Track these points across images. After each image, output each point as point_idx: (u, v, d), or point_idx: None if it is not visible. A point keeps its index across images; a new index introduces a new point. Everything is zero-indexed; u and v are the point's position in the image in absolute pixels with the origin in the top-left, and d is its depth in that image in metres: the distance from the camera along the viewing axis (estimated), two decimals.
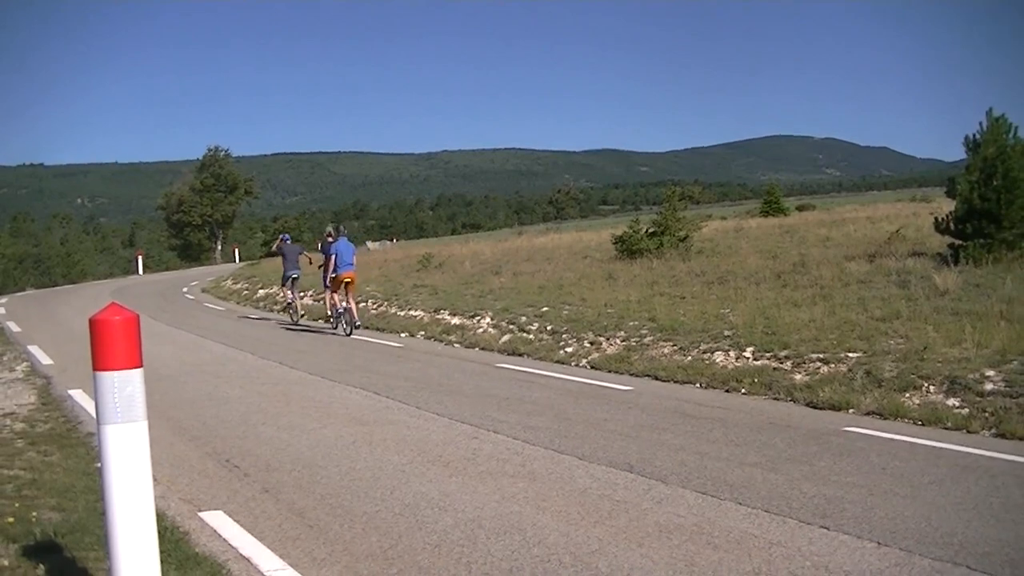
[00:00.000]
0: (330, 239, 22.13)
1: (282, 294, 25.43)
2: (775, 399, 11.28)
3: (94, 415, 11.37)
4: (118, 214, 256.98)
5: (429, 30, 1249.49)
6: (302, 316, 24.72)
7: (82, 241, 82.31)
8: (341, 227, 23.29)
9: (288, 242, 25.85)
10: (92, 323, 5.08)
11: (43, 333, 22.67)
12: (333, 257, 21.01)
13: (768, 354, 12.50)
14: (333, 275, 21.05)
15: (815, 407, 10.65)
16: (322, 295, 23.82)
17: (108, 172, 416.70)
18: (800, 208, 55.80)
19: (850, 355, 11.67)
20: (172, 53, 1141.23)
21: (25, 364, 16.91)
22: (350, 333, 20.54)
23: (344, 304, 20.94)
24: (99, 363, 5.07)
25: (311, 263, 25.18)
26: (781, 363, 12.13)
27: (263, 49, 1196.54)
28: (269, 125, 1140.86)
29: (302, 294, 26.68)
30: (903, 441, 8.95)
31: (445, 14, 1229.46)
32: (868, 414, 10.14)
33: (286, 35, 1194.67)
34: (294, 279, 24.56)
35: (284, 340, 20.22)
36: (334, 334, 20.89)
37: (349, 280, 20.85)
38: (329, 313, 22.19)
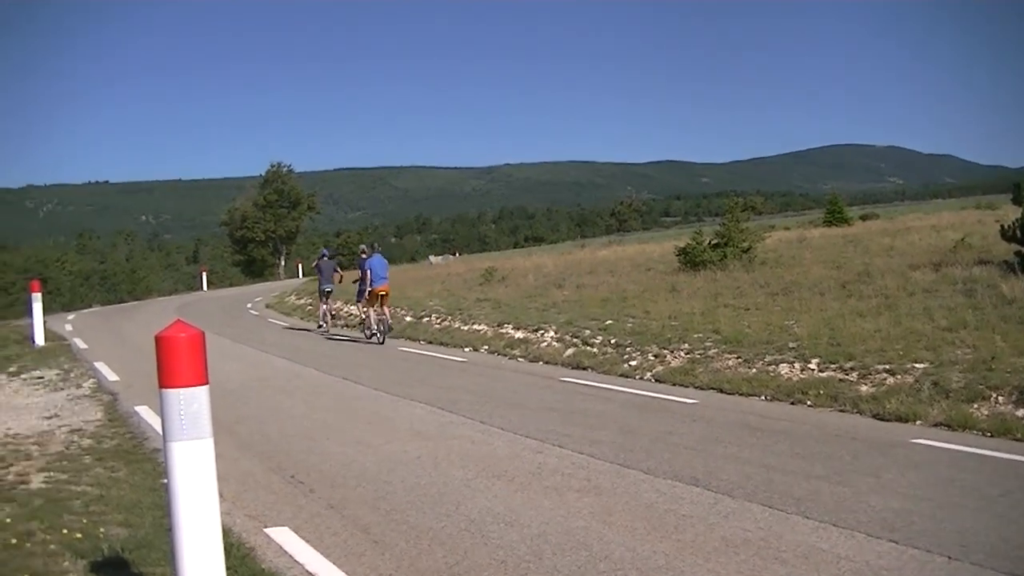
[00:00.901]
0: (364, 256, 23.68)
1: (356, 310, 26.71)
2: (841, 411, 11.15)
3: (160, 431, 11.53)
4: (182, 230, 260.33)
5: (488, 46, 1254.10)
6: (335, 325, 27.10)
7: (147, 257, 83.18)
8: (375, 244, 25.60)
9: (325, 258, 28.00)
10: (158, 340, 5.13)
11: (109, 350, 22.93)
12: (368, 272, 22.48)
13: (833, 365, 12.36)
14: (369, 289, 22.47)
15: (881, 419, 10.51)
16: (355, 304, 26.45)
17: (172, 189, 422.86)
18: (863, 217, 55.05)
19: (916, 366, 11.52)
20: (237, 70, 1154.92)
21: (92, 380, 17.11)
22: (383, 341, 22.01)
23: (379, 316, 22.35)
24: (165, 380, 5.12)
25: (340, 281, 27.19)
26: (847, 374, 11.99)
27: (324, 66, 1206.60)
28: (331, 140, 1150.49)
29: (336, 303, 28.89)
30: (972, 453, 8.81)
31: (505, 30, 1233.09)
32: (935, 425, 10.00)
33: (347, 52, 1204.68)
34: (328, 292, 26.94)
35: (348, 355, 20.31)
36: (370, 343, 21.64)
37: (384, 293, 22.47)
38: (362, 322, 23.85)
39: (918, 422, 10.15)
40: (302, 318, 31.08)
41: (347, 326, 26.98)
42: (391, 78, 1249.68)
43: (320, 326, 26.84)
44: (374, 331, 22.44)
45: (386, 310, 22.59)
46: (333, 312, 27.40)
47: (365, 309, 23.21)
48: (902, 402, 10.59)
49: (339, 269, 27.84)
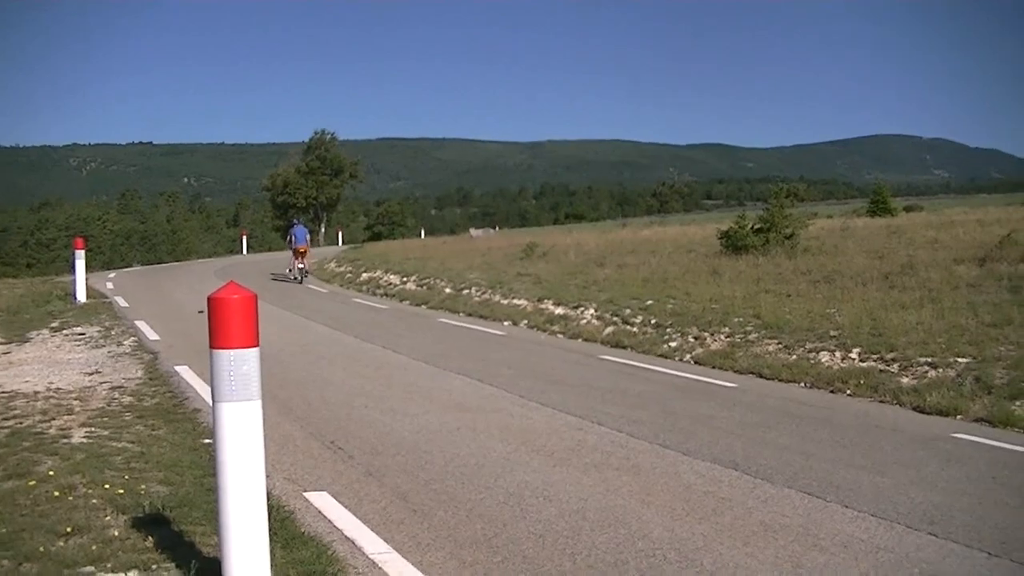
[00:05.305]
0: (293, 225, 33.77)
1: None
2: (881, 402, 11.08)
3: (200, 391, 11.66)
4: (223, 194, 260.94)
5: (537, 21, 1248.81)
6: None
7: (188, 219, 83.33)
8: (298, 218, 40.36)
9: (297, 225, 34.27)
10: (210, 301, 5.16)
11: (150, 308, 23.01)
12: (293, 237, 32.48)
13: (874, 356, 12.28)
14: (293, 247, 32.38)
15: (922, 411, 10.43)
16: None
17: (215, 152, 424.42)
18: (907, 209, 54.60)
19: (959, 360, 11.42)
20: (283, 36, 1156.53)
21: (132, 339, 17.16)
22: (301, 281, 31.60)
23: (300, 264, 32.13)
24: (216, 341, 5.15)
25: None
26: (888, 365, 11.91)
27: (370, 34, 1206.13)
28: (375, 109, 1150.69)
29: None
30: (1013, 450, 8.73)
31: (557, 6, 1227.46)
32: (977, 421, 9.91)
33: (394, 21, 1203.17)
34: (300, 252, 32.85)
35: (387, 323, 20.36)
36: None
37: (303, 251, 32.17)
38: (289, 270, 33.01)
39: (959, 416, 10.08)
40: (342, 285, 31.14)
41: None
42: (439, 48, 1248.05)
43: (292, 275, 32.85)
44: (295, 275, 32.05)
45: (305, 261, 32.29)
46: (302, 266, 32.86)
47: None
48: (943, 396, 10.51)
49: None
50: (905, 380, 11.35)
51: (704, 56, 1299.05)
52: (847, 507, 7.05)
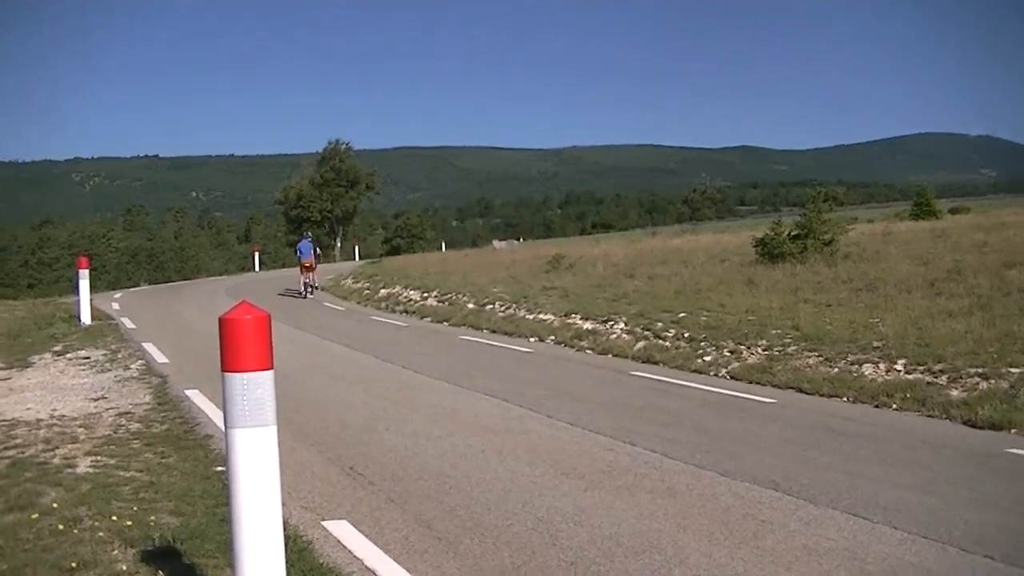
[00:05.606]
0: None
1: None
2: (929, 416, 10.99)
3: (212, 416, 11.66)
4: (233, 208, 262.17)
5: (558, 23, 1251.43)
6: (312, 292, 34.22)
7: (196, 236, 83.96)
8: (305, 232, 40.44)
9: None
10: (222, 322, 5.14)
11: (158, 330, 23.07)
12: (298, 252, 34.24)
13: (921, 367, 12.20)
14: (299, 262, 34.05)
15: (973, 426, 10.34)
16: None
17: (224, 165, 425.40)
18: (953, 211, 54.30)
19: (1012, 370, 11.32)
20: (292, 43, 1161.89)
21: (140, 362, 17.20)
22: (306, 297, 33.10)
23: (306, 279, 33.70)
24: (228, 364, 5.13)
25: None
26: (936, 377, 11.82)
27: (385, 39, 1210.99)
28: (391, 118, 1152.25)
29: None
30: None
31: (573, 7, 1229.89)
32: None
33: (410, 26, 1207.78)
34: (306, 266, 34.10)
35: (407, 342, 20.38)
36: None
37: (308, 265, 33.54)
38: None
39: (1013, 430, 9.98)
40: (359, 302, 31.20)
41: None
42: (457, 53, 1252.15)
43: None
44: (302, 290, 33.61)
45: (312, 276, 33.87)
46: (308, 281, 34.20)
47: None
48: (996, 408, 10.42)
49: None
50: (955, 393, 11.27)
51: (733, 54, 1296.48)
52: (895, 528, 6.99)
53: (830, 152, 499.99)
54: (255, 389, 5.12)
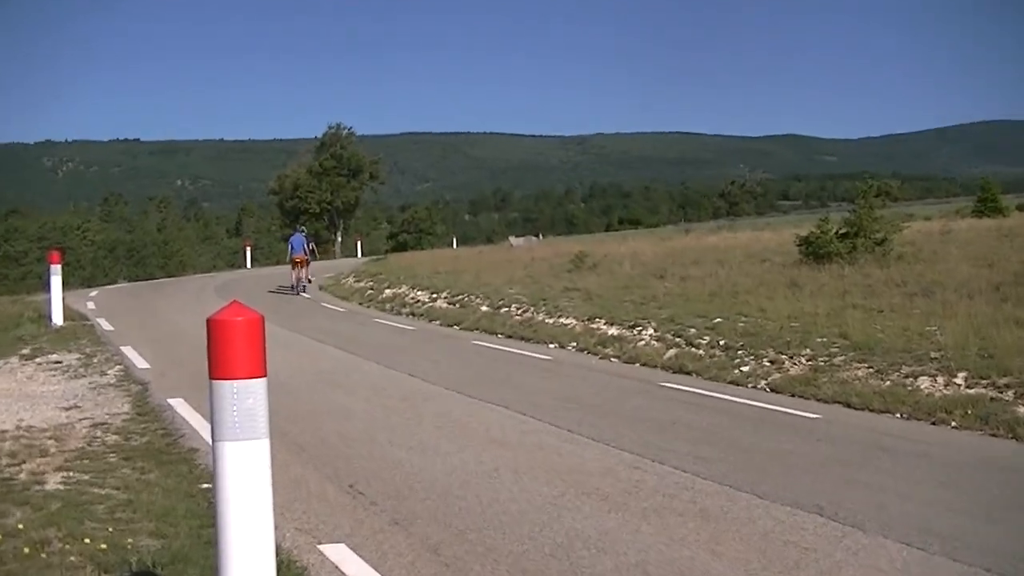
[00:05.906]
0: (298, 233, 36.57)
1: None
2: (993, 435, 10.95)
3: (197, 428, 11.69)
4: (223, 198, 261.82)
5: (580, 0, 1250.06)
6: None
7: (182, 228, 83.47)
8: (298, 226, 41.48)
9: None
10: (210, 324, 5.12)
11: (138, 333, 23.06)
12: (290, 247, 35.66)
13: (984, 381, 12.16)
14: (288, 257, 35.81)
15: None
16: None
17: (213, 150, 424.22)
18: (1021, 207, 54.22)
19: None
20: (291, 19, 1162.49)
21: (118, 367, 17.22)
22: (297, 293, 34.46)
23: (298, 275, 34.97)
24: (217, 370, 5.11)
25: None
26: (1000, 392, 11.79)
27: (392, 17, 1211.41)
28: (397, 101, 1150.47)
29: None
30: None
31: None
32: None
33: (418, 2, 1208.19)
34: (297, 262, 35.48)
35: (413, 347, 20.40)
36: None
37: (299, 261, 34.92)
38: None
39: None
40: (361, 303, 31.26)
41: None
42: (470, 32, 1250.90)
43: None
44: (294, 284, 34.90)
45: (303, 272, 35.08)
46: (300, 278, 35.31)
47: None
48: None
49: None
50: (1022, 409, 11.23)
51: (775, 33, 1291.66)
52: (954, 560, 6.96)
53: (883, 141, 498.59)
54: (246, 398, 5.10)
